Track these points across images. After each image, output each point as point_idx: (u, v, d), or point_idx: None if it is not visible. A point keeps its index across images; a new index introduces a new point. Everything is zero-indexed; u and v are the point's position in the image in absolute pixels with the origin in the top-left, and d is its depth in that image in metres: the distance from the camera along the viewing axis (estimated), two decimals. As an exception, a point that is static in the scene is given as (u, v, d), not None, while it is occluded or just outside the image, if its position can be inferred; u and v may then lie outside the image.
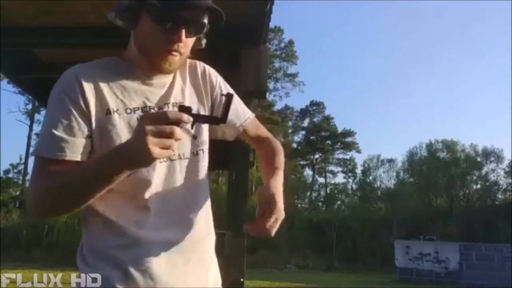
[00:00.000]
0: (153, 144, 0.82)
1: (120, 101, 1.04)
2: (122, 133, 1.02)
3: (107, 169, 0.90)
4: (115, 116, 1.03)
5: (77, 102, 1.00)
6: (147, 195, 1.04)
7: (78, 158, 0.99)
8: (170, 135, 0.84)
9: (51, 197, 0.95)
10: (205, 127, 1.17)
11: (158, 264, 1.02)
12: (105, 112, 1.02)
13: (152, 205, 1.04)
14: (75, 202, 0.95)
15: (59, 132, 0.98)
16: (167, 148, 0.84)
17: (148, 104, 1.07)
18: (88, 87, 1.02)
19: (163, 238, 1.04)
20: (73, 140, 0.99)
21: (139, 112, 1.05)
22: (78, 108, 1.00)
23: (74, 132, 0.99)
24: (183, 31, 1.00)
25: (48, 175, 0.96)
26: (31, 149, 30.37)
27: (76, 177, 0.94)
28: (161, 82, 1.10)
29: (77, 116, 1.00)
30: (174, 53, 1.03)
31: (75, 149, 0.99)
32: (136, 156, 0.85)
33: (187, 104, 1.10)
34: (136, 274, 1.00)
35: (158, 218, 1.04)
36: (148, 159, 0.84)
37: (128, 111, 1.04)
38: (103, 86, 1.04)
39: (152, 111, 1.06)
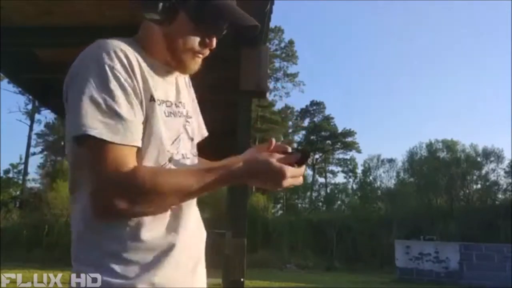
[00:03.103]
0: (287, 184, 0.96)
1: (154, 90, 1.00)
2: (160, 124, 0.98)
3: (227, 181, 0.96)
4: (156, 105, 0.99)
5: (131, 82, 0.93)
6: None
7: (139, 144, 0.93)
8: (297, 182, 0.99)
9: (148, 196, 0.90)
10: (197, 130, 1.18)
11: (176, 268, 0.99)
12: (149, 98, 0.98)
13: None
14: (171, 203, 0.96)
15: (125, 114, 0.90)
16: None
17: (170, 99, 1.06)
18: (136, 67, 0.96)
19: (183, 241, 1.01)
20: (137, 124, 0.93)
21: (164, 106, 1.02)
22: (134, 89, 0.93)
23: (136, 115, 0.93)
24: (215, 37, 1.03)
25: (143, 171, 0.90)
26: (31, 149, 30.30)
27: (187, 181, 0.93)
28: (171, 79, 1.10)
29: (134, 98, 0.93)
30: (201, 55, 1.05)
31: (139, 134, 0.93)
32: (269, 184, 0.98)
33: (186, 105, 1.13)
34: (158, 279, 0.95)
35: (169, 219, 1.01)
36: (276, 189, 1.02)
37: (158, 102, 1.01)
38: (144, 69, 0.99)
39: (173, 107, 1.05)
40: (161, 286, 0.95)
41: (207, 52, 1.06)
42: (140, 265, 0.94)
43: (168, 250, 0.97)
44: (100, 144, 0.87)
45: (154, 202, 0.93)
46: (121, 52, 0.95)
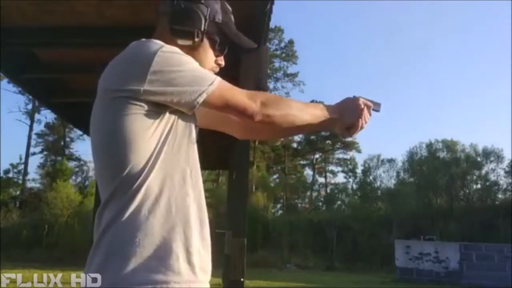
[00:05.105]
0: (361, 117, 1.29)
1: None
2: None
3: (324, 114, 1.23)
4: None
5: None
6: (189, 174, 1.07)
7: None
8: (367, 120, 1.32)
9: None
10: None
11: (206, 246, 1.08)
12: None
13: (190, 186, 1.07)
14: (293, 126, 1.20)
15: None
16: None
17: None
18: None
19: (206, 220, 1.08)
20: None
21: None
22: None
23: None
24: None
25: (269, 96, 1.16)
26: (31, 149, 30.33)
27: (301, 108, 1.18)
28: None
29: None
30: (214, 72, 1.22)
31: None
32: (348, 117, 1.28)
33: None
34: (202, 274, 1.04)
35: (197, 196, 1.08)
36: (353, 123, 1.28)
37: None
38: None
39: None
40: (201, 261, 1.03)
41: (218, 69, 1.22)
42: (181, 242, 1.00)
43: (203, 226, 1.05)
44: (227, 84, 1.08)
45: (280, 109, 1.14)
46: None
